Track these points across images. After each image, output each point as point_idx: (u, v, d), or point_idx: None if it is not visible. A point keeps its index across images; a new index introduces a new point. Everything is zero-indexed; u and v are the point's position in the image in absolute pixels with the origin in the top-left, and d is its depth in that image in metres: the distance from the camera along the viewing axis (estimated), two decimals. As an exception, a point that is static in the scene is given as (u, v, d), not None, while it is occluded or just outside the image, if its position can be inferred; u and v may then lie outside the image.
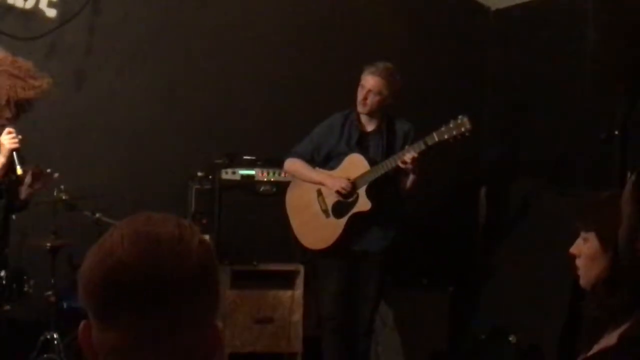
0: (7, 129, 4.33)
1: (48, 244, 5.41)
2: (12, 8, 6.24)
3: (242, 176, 6.16)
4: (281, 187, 5.89)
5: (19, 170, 4.31)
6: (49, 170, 4.56)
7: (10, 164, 4.32)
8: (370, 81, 5.26)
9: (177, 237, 1.43)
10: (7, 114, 4.36)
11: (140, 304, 1.39)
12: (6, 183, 4.44)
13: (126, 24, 6.54)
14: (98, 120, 6.48)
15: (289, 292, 6.10)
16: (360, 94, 5.30)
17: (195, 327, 1.43)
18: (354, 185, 5.30)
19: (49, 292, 5.45)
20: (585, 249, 2.57)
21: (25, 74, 4.47)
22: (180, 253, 1.42)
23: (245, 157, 6.23)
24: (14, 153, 4.32)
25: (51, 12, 6.32)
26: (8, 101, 4.34)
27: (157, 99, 6.61)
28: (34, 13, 6.29)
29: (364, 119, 5.40)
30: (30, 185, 4.54)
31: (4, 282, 5.35)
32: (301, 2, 6.83)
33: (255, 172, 6.18)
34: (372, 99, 5.27)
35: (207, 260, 1.46)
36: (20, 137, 4.36)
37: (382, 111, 5.37)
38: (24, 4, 6.25)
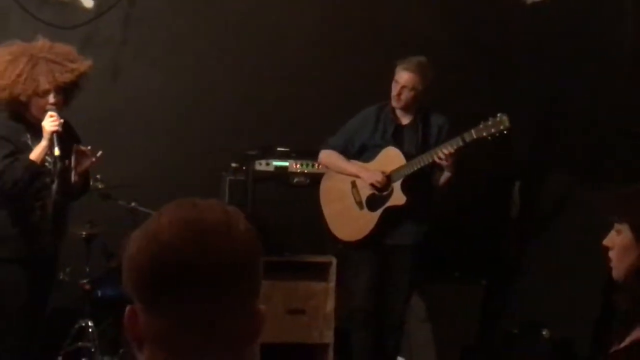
0: (49, 113, 4.39)
1: (83, 233, 5.47)
2: (50, -1, 6.31)
3: (276, 167, 6.18)
4: (315, 179, 5.90)
5: (57, 151, 4.37)
6: (89, 147, 4.61)
7: (51, 147, 4.39)
8: (403, 77, 5.24)
9: (224, 222, 1.44)
10: (50, 99, 4.42)
11: (187, 289, 1.40)
12: (57, 168, 4.49)
13: (161, 16, 6.58)
14: (133, 111, 6.53)
15: (321, 284, 6.11)
16: (394, 89, 5.29)
17: (240, 311, 1.44)
18: (389, 178, 5.30)
19: (84, 280, 5.51)
20: (618, 241, 2.57)
21: (63, 58, 4.52)
22: (227, 239, 1.43)
23: (279, 149, 6.24)
24: (54, 135, 4.37)
25: (88, 3, 6.37)
26: (48, 87, 4.40)
27: (191, 89, 6.64)
28: (72, 4, 6.35)
29: (398, 112, 5.40)
30: (76, 167, 4.59)
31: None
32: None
33: (289, 163, 6.19)
34: (406, 95, 5.26)
35: (252, 245, 1.47)
36: (61, 120, 4.41)
37: (417, 105, 5.36)
38: (62, -5, 6.32)
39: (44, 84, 4.39)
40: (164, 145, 6.57)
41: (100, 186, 5.49)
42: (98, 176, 5.41)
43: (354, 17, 6.82)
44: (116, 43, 6.48)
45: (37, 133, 4.44)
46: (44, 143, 4.39)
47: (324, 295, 6.09)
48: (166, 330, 1.42)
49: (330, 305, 6.09)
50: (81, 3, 6.36)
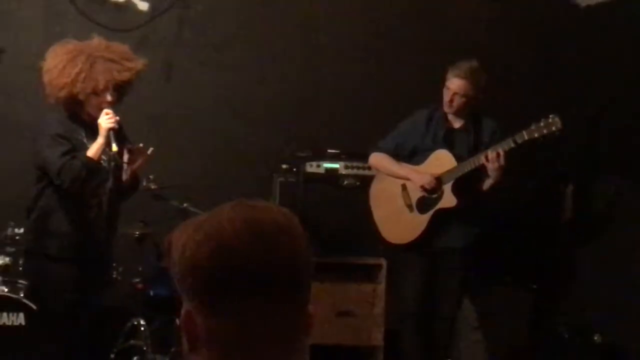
0: (105, 110, 4.44)
1: (136, 232, 5.52)
2: (106, 1, 6.39)
3: (327, 169, 6.18)
4: (365, 181, 5.89)
5: (114, 147, 4.43)
6: (141, 145, 4.66)
7: (107, 144, 4.44)
8: (455, 83, 5.21)
9: (283, 224, 1.46)
10: (107, 97, 4.48)
11: (247, 290, 1.41)
12: (111, 166, 4.55)
13: (214, 18, 6.63)
14: (186, 112, 6.59)
15: (371, 286, 6.11)
16: (446, 96, 5.26)
17: (295, 312, 1.46)
18: (440, 181, 5.28)
19: (136, 280, 5.57)
20: None
21: (120, 56, 4.57)
22: (288, 242, 1.44)
23: (329, 151, 6.25)
24: (111, 133, 4.43)
25: (143, 5, 6.45)
26: (106, 85, 4.45)
27: (243, 91, 6.68)
28: (127, 6, 6.43)
29: (450, 116, 5.37)
30: (129, 164, 4.65)
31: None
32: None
33: (340, 165, 6.19)
34: (458, 101, 5.23)
35: (308, 248, 1.48)
36: (117, 118, 4.47)
37: (469, 109, 5.33)
38: (118, -3, 6.41)
39: (103, 83, 4.44)
40: (216, 146, 6.62)
41: (152, 186, 5.54)
42: (151, 176, 5.47)
43: (406, 19, 6.81)
44: (170, 44, 6.55)
45: (92, 131, 4.50)
46: (100, 140, 4.44)
47: (374, 298, 6.08)
48: (224, 331, 1.43)
49: (380, 307, 6.08)
50: (136, 5, 6.44)
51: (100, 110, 4.47)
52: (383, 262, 6.06)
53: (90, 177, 4.45)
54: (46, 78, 4.49)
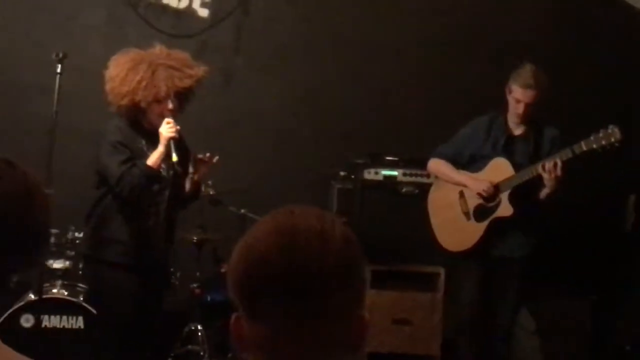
0: (166, 119, 4.46)
1: (195, 238, 5.56)
2: (166, 8, 6.45)
3: (385, 176, 6.16)
4: (423, 189, 5.86)
5: (174, 157, 4.43)
6: (208, 154, 4.67)
7: (167, 153, 4.45)
8: (525, 94, 5.08)
9: (318, 230, 1.45)
10: (169, 105, 4.49)
11: (279, 297, 1.42)
12: (170, 174, 4.57)
13: (273, 25, 6.66)
14: (244, 118, 6.62)
15: (428, 294, 6.07)
16: (516, 108, 5.14)
17: (338, 319, 1.44)
18: (497, 189, 5.22)
19: (194, 285, 5.60)
20: None
21: (181, 64, 4.57)
22: (319, 246, 1.43)
23: (387, 158, 6.23)
24: (171, 142, 4.44)
25: (203, 12, 6.50)
26: (168, 93, 4.47)
27: (301, 97, 6.69)
28: (187, 13, 6.48)
29: (511, 123, 5.30)
30: (194, 173, 4.66)
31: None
32: (446, 3, 6.78)
33: (398, 172, 6.17)
34: (527, 110, 5.16)
35: (348, 253, 1.46)
36: (178, 127, 4.48)
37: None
38: (178, 3, 6.45)
39: (164, 90, 4.45)
40: (275, 152, 6.64)
41: (211, 192, 5.56)
42: (210, 182, 5.49)
43: (463, 24, 6.76)
44: (229, 51, 6.59)
45: (153, 139, 4.51)
46: (160, 149, 4.44)
47: (431, 306, 6.04)
48: (265, 336, 1.45)
49: (437, 316, 6.03)
50: (196, 12, 6.49)
51: (162, 118, 4.47)
52: (441, 270, 6.02)
53: (149, 185, 4.47)
54: (108, 86, 4.52)
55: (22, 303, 4.99)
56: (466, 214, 5.39)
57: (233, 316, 1.50)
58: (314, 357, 1.45)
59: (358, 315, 1.48)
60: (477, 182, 5.29)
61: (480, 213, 5.32)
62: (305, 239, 1.43)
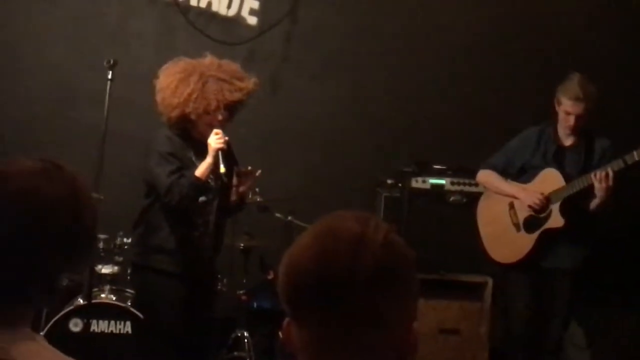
0: (215, 130, 4.47)
1: (241, 244, 5.57)
2: (215, 15, 6.49)
3: (432, 185, 6.13)
4: (472, 198, 5.82)
5: (222, 169, 4.43)
6: (249, 168, 4.68)
7: (216, 164, 4.46)
8: (575, 107, 5.03)
9: (357, 234, 1.43)
10: (218, 117, 4.50)
11: (318, 304, 1.41)
12: (218, 185, 4.58)
13: (322, 33, 6.67)
14: (292, 126, 6.63)
15: (476, 304, 6.02)
16: (567, 120, 5.10)
17: (381, 327, 1.42)
18: (548, 200, 5.17)
19: (241, 291, 5.61)
20: None
21: (231, 76, 4.58)
22: (353, 252, 1.41)
23: (435, 166, 6.20)
24: (220, 153, 4.45)
25: (252, 20, 6.53)
26: (218, 105, 4.48)
27: (349, 105, 6.69)
28: (236, 20, 6.52)
29: (561, 134, 5.25)
30: (237, 186, 4.67)
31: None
32: (494, 11, 6.73)
33: (446, 181, 6.14)
34: (579, 123, 5.11)
35: (390, 260, 1.43)
36: (226, 138, 4.49)
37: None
38: (227, 11, 6.49)
39: (214, 103, 4.46)
40: (322, 160, 6.64)
41: (258, 199, 5.57)
42: (257, 189, 5.50)
43: (514, 35, 6.71)
44: (277, 59, 6.61)
45: (201, 150, 4.52)
46: (209, 160, 4.45)
47: (479, 316, 6.00)
48: (310, 342, 1.45)
49: (485, 326, 5.99)
50: (245, 20, 6.52)
51: (211, 128, 4.48)
52: (489, 280, 5.97)
53: (197, 196, 4.49)
54: (159, 97, 4.54)
55: (71, 307, 5.05)
56: (516, 225, 5.34)
57: (285, 321, 1.50)
58: None
59: (404, 325, 1.45)
60: (528, 194, 5.24)
61: (530, 224, 5.27)
62: (340, 244, 1.42)
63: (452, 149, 6.49)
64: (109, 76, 4.78)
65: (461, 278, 6.03)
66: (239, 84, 4.57)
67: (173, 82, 4.49)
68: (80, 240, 1.75)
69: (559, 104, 5.13)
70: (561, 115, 5.15)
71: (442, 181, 6.14)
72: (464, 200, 6.02)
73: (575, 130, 5.14)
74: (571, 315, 5.48)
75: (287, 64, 6.64)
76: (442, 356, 5.93)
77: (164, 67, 4.61)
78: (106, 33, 6.48)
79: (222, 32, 6.44)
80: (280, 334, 5.68)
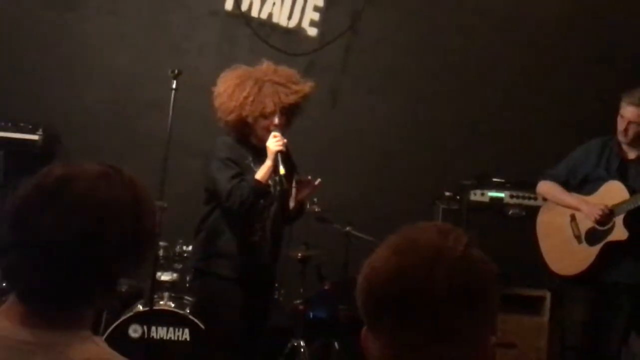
0: (273, 133, 4.52)
1: (299, 254, 5.59)
2: (276, 26, 6.55)
3: (491, 198, 6.11)
4: (531, 211, 5.78)
5: (282, 170, 4.47)
6: (309, 177, 4.70)
7: (275, 166, 4.50)
8: (629, 111, 5.02)
9: (436, 248, 1.43)
10: (275, 120, 4.54)
11: (396, 316, 1.42)
12: (277, 190, 4.61)
13: (382, 47, 6.68)
14: (350, 137, 6.65)
15: (534, 318, 5.97)
16: (620, 124, 5.09)
17: (458, 341, 1.42)
18: (611, 212, 5.11)
19: (298, 301, 5.63)
20: None
21: (287, 80, 4.62)
22: (433, 266, 1.41)
23: (494, 179, 6.17)
24: (279, 155, 4.50)
25: (312, 31, 6.57)
26: (274, 108, 4.53)
27: (408, 118, 6.69)
28: (296, 32, 6.57)
29: (625, 146, 5.19)
30: (296, 195, 4.70)
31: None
32: (555, 26, 6.69)
33: (505, 194, 6.10)
34: (633, 130, 5.06)
35: (467, 273, 1.44)
36: (284, 140, 4.53)
37: None
38: (288, 22, 6.55)
39: (270, 106, 4.50)
40: (380, 172, 6.65)
41: (316, 209, 5.59)
42: (315, 199, 5.52)
43: (576, 45, 6.65)
44: (337, 71, 6.64)
45: (259, 156, 4.56)
46: (268, 163, 4.49)
47: (537, 331, 5.94)
48: (386, 353, 1.45)
49: (543, 341, 5.93)
50: (305, 31, 6.57)
51: (268, 133, 4.53)
52: (547, 294, 5.91)
53: (257, 200, 4.52)
54: (217, 102, 4.60)
55: (130, 314, 5.11)
56: (578, 237, 5.28)
57: (363, 330, 1.51)
58: None
59: (482, 339, 1.45)
60: (590, 207, 5.17)
61: (592, 237, 5.21)
62: (418, 257, 1.42)
63: (512, 162, 6.44)
64: (173, 85, 4.85)
65: (519, 292, 5.98)
66: (294, 87, 4.61)
67: (230, 87, 4.55)
68: (141, 243, 1.76)
69: (619, 109, 5.09)
70: (618, 121, 5.10)
71: (502, 194, 6.10)
72: (523, 213, 5.98)
73: (626, 136, 5.08)
74: (630, 331, 5.40)
75: (347, 77, 6.67)
76: (499, 370, 5.89)
77: (222, 74, 4.67)
78: (170, 44, 6.58)
79: (282, 43, 6.49)
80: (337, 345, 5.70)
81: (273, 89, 4.53)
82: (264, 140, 4.53)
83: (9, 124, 6.13)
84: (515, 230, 5.89)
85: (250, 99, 4.49)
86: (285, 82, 4.59)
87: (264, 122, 4.53)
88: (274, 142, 4.48)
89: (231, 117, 4.53)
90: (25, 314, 1.71)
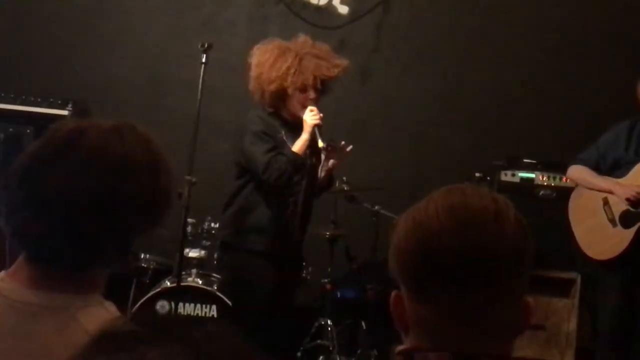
0: (309, 107, 4.50)
1: (327, 233, 5.58)
2: (307, 4, 6.52)
3: (522, 179, 6.05)
4: (562, 193, 5.72)
5: (321, 144, 4.45)
6: (343, 143, 4.67)
7: (312, 140, 4.48)
8: None
9: (494, 211, 1.43)
10: (312, 94, 4.53)
11: (457, 278, 1.39)
12: (308, 165, 4.59)
13: (413, 25, 6.64)
14: (380, 116, 6.62)
15: (564, 300, 5.93)
16: None
17: (510, 302, 1.43)
18: None
19: (325, 280, 5.62)
20: None
21: (327, 54, 4.61)
22: (496, 228, 1.41)
23: (525, 160, 6.11)
24: (316, 129, 4.48)
25: (343, 9, 6.54)
26: (315, 81, 4.51)
27: (439, 98, 6.65)
28: (327, 9, 6.53)
29: None
30: (326, 161, 4.68)
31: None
32: (583, 5, 6.61)
33: (535, 175, 6.05)
34: None
35: (522, 238, 1.44)
36: (321, 114, 4.51)
37: None
38: (318, 0, 6.51)
39: (311, 78, 4.49)
40: (410, 151, 6.62)
41: (346, 188, 5.57)
42: (344, 178, 5.51)
43: (605, 27, 6.56)
44: (368, 48, 6.59)
45: (292, 129, 4.55)
46: (305, 136, 4.47)
47: (567, 313, 5.90)
48: (431, 317, 1.42)
49: (572, 323, 5.89)
50: (336, 9, 6.53)
51: (303, 107, 4.51)
52: (577, 276, 5.86)
53: (295, 173, 4.50)
54: (255, 72, 4.55)
55: (158, 289, 5.13)
56: (612, 221, 5.21)
57: (393, 293, 1.48)
58: (480, 341, 1.42)
59: (525, 301, 1.46)
60: (623, 188, 5.11)
61: (627, 219, 5.14)
62: (481, 220, 1.41)
63: (542, 143, 6.39)
64: (203, 59, 4.81)
65: (549, 274, 5.93)
66: (335, 61, 4.61)
67: (271, 58, 4.51)
68: (157, 201, 1.68)
69: (638, 93, 5.03)
70: None
71: (532, 175, 6.05)
72: (554, 194, 5.93)
73: None
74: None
75: (378, 55, 6.62)
76: (528, 351, 5.85)
77: (257, 46, 4.63)
78: (200, 21, 6.56)
79: (313, 21, 6.46)
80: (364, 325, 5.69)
81: (314, 62, 4.51)
82: (296, 115, 4.53)
83: (39, 100, 6.15)
84: (545, 212, 5.82)
85: (293, 70, 4.47)
86: (325, 56, 4.59)
87: (300, 97, 4.52)
88: (311, 116, 4.47)
89: (272, 87, 4.49)
90: (34, 275, 1.65)
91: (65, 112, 6.14)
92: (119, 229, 1.65)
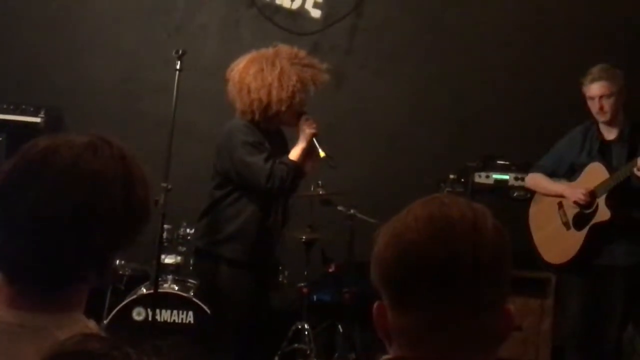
0: (305, 116, 4.49)
1: (303, 237, 5.57)
2: (280, 8, 6.52)
3: (496, 180, 6.08)
4: (535, 194, 5.75)
5: (322, 153, 4.45)
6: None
7: (310, 148, 4.47)
8: (596, 88, 5.00)
9: (472, 221, 1.43)
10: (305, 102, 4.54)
11: (437, 288, 1.39)
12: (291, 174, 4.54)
13: (386, 28, 6.65)
14: (355, 119, 6.63)
15: (539, 300, 5.95)
16: (593, 107, 5.05)
17: (491, 311, 1.43)
18: (593, 194, 5.07)
19: (302, 284, 5.61)
20: None
21: (310, 62, 4.59)
22: (474, 237, 1.41)
23: (499, 162, 6.14)
24: (314, 138, 4.47)
25: (316, 13, 6.54)
26: (315, 90, 4.53)
27: (412, 100, 6.67)
28: (300, 13, 6.54)
29: (603, 128, 5.15)
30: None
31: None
32: (563, 4, 6.65)
33: (509, 177, 6.08)
34: (608, 103, 5.02)
35: (501, 246, 1.45)
36: (315, 123, 4.51)
37: (622, 117, 5.11)
38: (291, 4, 6.51)
39: (313, 89, 4.53)
40: (385, 154, 6.63)
41: (321, 192, 5.57)
42: (319, 182, 5.50)
43: (582, 29, 6.61)
44: (341, 52, 6.60)
45: (268, 137, 4.50)
46: (302, 145, 4.47)
47: (542, 312, 5.93)
48: (413, 327, 1.43)
49: (547, 323, 5.92)
50: (309, 13, 6.53)
51: (298, 116, 4.50)
52: (552, 276, 5.89)
53: (295, 180, 4.49)
54: (264, 96, 4.43)
55: (134, 296, 5.11)
56: (566, 224, 5.26)
57: (375, 304, 1.48)
58: (463, 351, 1.42)
59: (506, 309, 1.46)
60: (572, 190, 5.16)
61: (579, 221, 5.18)
62: (460, 229, 1.41)
63: (516, 144, 6.42)
64: (178, 66, 4.75)
65: (525, 274, 5.95)
66: (320, 66, 4.60)
67: (275, 79, 4.42)
68: (133, 215, 1.67)
69: (584, 93, 5.07)
70: (590, 105, 5.08)
71: (506, 176, 6.08)
72: (528, 195, 5.94)
73: (605, 115, 5.04)
74: (629, 316, 5.33)
75: (351, 58, 6.63)
76: (504, 351, 5.84)
77: (241, 65, 4.51)
78: (172, 25, 6.55)
79: (285, 25, 6.46)
80: (341, 328, 5.69)
81: (310, 72, 4.51)
82: (291, 124, 4.52)
83: (11, 107, 6.11)
84: (519, 213, 5.85)
85: (299, 85, 4.44)
86: (312, 63, 4.57)
87: (294, 106, 4.49)
88: (309, 125, 4.47)
89: (283, 107, 4.43)
90: (13, 295, 1.64)
91: (38, 120, 6.12)
92: (95, 246, 1.63)
